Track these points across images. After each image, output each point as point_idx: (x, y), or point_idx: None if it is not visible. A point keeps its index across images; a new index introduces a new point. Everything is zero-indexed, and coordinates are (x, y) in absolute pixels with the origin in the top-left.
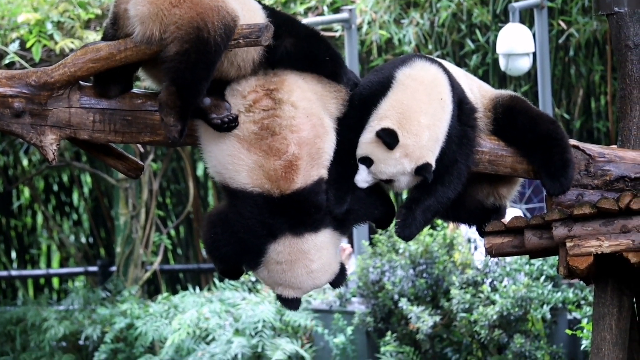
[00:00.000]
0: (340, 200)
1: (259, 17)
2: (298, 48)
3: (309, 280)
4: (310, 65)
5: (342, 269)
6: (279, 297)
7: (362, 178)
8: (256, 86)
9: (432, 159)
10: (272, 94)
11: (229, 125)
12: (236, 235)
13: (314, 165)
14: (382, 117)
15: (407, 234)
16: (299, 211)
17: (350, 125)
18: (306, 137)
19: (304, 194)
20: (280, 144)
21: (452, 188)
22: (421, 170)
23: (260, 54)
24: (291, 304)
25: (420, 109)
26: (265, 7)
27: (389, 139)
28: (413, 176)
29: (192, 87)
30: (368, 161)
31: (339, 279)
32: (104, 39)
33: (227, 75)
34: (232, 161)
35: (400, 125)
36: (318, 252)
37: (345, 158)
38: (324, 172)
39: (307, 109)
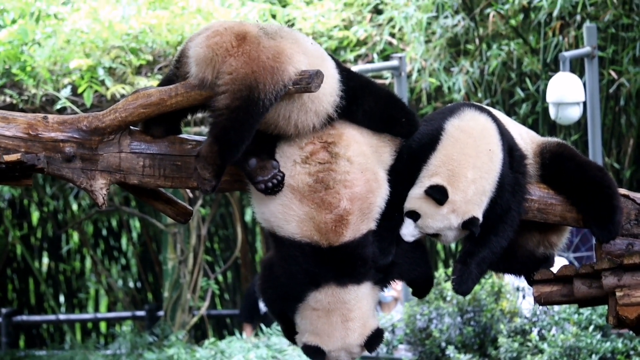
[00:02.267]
0: (385, 252)
1: (328, 68)
2: (376, 110)
3: (342, 330)
4: (387, 128)
5: (379, 332)
6: (304, 346)
7: (409, 232)
8: (314, 138)
9: (478, 212)
10: (330, 147)
11: (274, 188)
12: (279, 280)
13: (364, 219)
14: (433, 173)
15: (464, 290)
16: (345, 263)
17: (398, 179)
18: (359, 193)
19: (351, 247)
20: (333, 198)
21: (505, 237)
22: (468, 224)
23: (321, 120)
24: (314, 353)
25: (468, 164)
26: (341, 67)
27: (439, 195)
28: (460, 230)
29: (234, 148)
30: (415, 215)
31: (373, 341)
32: (166, 75)
33: (285, 133)
34: (282, 210)
35: (449, 181)
36: (358, 303)
37: (392, 210)
38: (373, 225)
39: (362, 165)
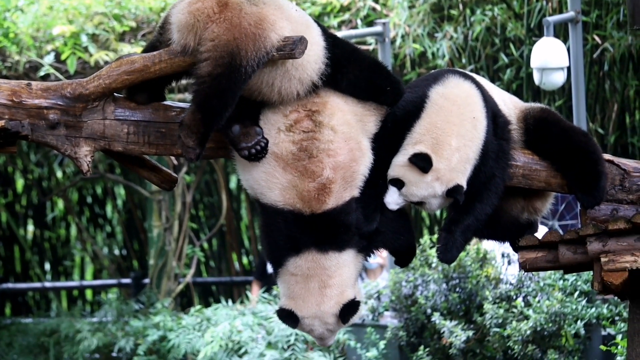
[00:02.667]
0: (370, 218)
1: (313, 36)
2: (361, 79)
3: (318, 296)
4: (372, 96)
5: (354, 304)
6: (278, 310)
7: (393, 200)
8: (298, 106)
9: (462, 180)
10: (314, 115)
11: (257, 154)
12: (265, 243)
13: (347, 187)
14: (417, 141)
15: (449, 258)
16: (327, 230)
17: (383, 147)
18: (342, 162)
19: (334, 214)
20: (316, 166)
21: (490, 204)
22: (452, 192)
23: (306, 87)
24: (288, 317)
25: (452, 131)
26: (327, 34)
27: (423, 163)
28: (444, 198)
29: (217, 115)
30: (399, 183)
31: (348, 311)
32: (150, 41)
33: (269, 100)
34: (266, 178)
35: (433, 149)
36: (338, 270)
37: (376, 178)
38: (356, 193)
39: (346, 133)
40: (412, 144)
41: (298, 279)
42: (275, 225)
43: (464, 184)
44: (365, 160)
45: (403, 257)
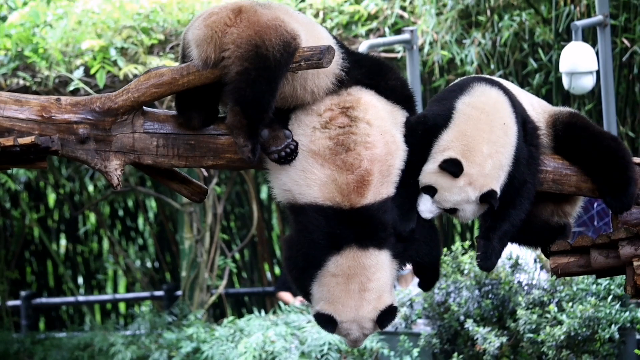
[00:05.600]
0: (406, 218)
1: (326, 42)
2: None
3: (357, 300)
4: (396, 99)
5: (392, 309)
6: (316, 314)
7: (427, 208)
8: (331, 105)
9: (496, 186)
10: (348, 111)
11: (287, 157)
12: (300, 252)
13: (384, 182)
14: (446, 148)
15: (489, 265)
16: (367, 225)
17: (413, 155)
18: (379, 154)
19: (372, 210)
20: (354, 159)
21: (524, 210)
22: (486, 197)
23: (334, 81)
24: (327, 322)
25: (482, 138)
26: (338, 43)
27: (453, 167)
28: (478, 204)
29: (255, 103)
30: (432, 190)
31: (386, 317)
32: None
33: (303, 101)
34: (304, 176)
35: (464, 155)
36: (377, 271)
37: (409, 178)
38: (392, 190)
39: (382, 127)
40: (441, 151)
41: (339, 280)
42: (315, 224)
43: (498, 190)
44: (400, 154)
45: (428, 278)
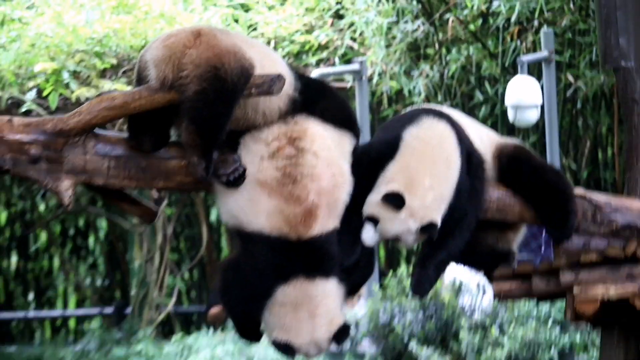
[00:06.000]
0: (350, 252)
1: (280, 68)
2: (333, 109)
3: (309, 326)
4: (341, 124)
5: (346, 327)
6: (274, 342)
7: (369, 236)
8: (279, 135)
9: (437, 217)
10: (295, 142)
11: (235, 182)
12: (245, 279)
13: (330, 215)
14: (390, 180)
15: (422, 292)
16: (314, 256)
17: (358, 185)
18: (326, 187)
19: (320, 242)
20: (301, 191)
21: (462, 239)
22: (426, 228)
23: (287, 103)
24: (283, 349)
25: (425, 171)
26: (291, 66)
27: (395, 201)
28: (419, 234)
29: (211, 123)
30: (375, 220)
31: (341, 336)
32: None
33: (254, 123)
34: (251, 205)
35: (406, 188)
36: (324, 299)
37: (353, 214)
38: (337, 223)
39: (328, 158)
40: (385, 183)
41: (288, 309)
42: (262, 254)
43: (438, 221)
44: (346, 186)
45: (356, 289)
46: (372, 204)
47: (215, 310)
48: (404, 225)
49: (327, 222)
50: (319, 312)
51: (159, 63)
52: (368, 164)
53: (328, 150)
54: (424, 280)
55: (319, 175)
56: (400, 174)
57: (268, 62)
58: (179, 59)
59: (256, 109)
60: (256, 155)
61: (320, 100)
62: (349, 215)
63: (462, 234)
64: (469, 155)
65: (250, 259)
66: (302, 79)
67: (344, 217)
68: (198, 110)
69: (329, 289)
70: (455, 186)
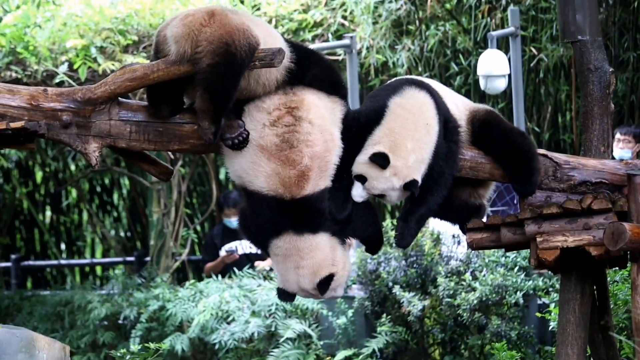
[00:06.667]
0: (342, 207)
1: (279, 43)
2: (324, 75)
3: (294, 276)
4: (331, 89)
5: (329, 277)
6: (277, 288)
7: (358, 193)
8: (279, 104)
9: (418, 176)
10: (293, 112)
11: (239, 144)
12: (249, 229)
13: (322, 176)
14: (376, 142)
15: (405, 244)
16: (304, 213)
17: (349, 147)
18: (318, 151)
19: (311, 200)
20: (296, 155)
21: (440, 196)
22: (409, 186)
23: (283, 74)
24: (282, 295)
25: (407, 135)
26: (287, 40)
27: (381, 160)
28: (402, 191)
29: (222, 93)
30: (363, 179)
31: (323, 285)
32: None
33: (255, 93)
34: (252, 167)
35: (391, 149)
36: (311, 252)
37: (344, 173)
38: (329, 183)
39: (322, 126)
40: (372, 145)
41: (279, 259)
42: (260, 210)
43: (419, 179)
44: (337, 150)
45: (372, 246)
46: (361, 163)
47: (210, 265)
48: (388, 182)
49: (318, 182)
50: (304, 264)
51: (179, 39)
52: (357, 129)
53: (322, 118)
54: (407, 233)
55: (313, 141)
56: (386, 138)
57: (270, 37)
58: (196, 36)
59: (257, 80)
60: (259, 122)
61: (312, 67)
62: (341, 175)
63: (440, 191)
64: (446, 121)
65: (252, 212)
66: (297, 49)
67: (335, 176)
68: (211, 81)
69: (317, 242)
70: (434, 149)
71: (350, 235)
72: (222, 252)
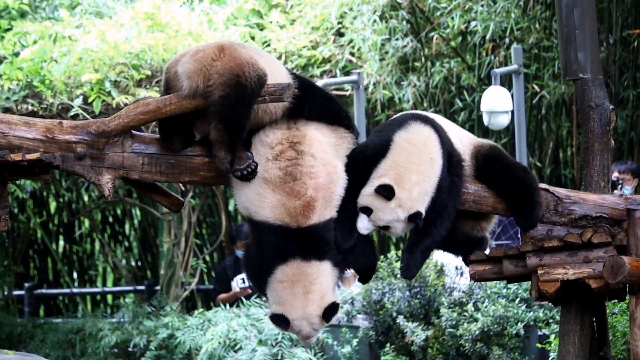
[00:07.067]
0: (347, 237)
1: (282, 75)
2: (324, 107)
3: (303, 300)
4: (333, 120)
5: (335, 305)
6: (271, 315)
7: (364, 225)
8: (282, 139)
9: (422, 208)
10: (296, 146)
11: (248, 176)
12: (255, 259)
13: (327, 207)
14: (381, 175)
15: (410, 275)
16: (311, 241)
17: (354, 180)
18: (322, 183)
19: (317, 229)
20: (300, 187)
21: (444, 228)
22: (413, 217)
23: (287, 105)
24: (280, 321)
25: (412, 169)
26: (290, 72)
27: (386, 192)
28: (406, 223)
29: (235, 123)
30: (368, 211)
31: (330, 312)
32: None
33: (262, 122)
34: (258, 199)
35: (396, 182)
36: (318, 277)
37: (349, 204)
38: (334, 213)
39: (324, 159)
40: (378, 177)
41: (285, 285)
42: (266, 239)
43: (423, 212)
44: (341, 182)
45: (365, 276)
46: (366, 195)
47: (222, 297)
48: (393, 214)
49: (323, 212)
50: (313, 289)
51: (191, 75)
52: (363, 162)
53: (324, 152)
54: (412, 264)
55: (316, 173)
56: (391, 171)
57: (275, 70)
58: (208, 70)
59: (265, 110)
60: (263, 157)
61: (313, 100)
62: (346, 206)
63: (444, 223)
64: (450, 155)
65: (258, 242)
66: (299, 82)
67: (341, 207)
68: (224, 112)
69: (323, 269)
70: (438, 182)
71: (350, 266)
72: (234, 283)
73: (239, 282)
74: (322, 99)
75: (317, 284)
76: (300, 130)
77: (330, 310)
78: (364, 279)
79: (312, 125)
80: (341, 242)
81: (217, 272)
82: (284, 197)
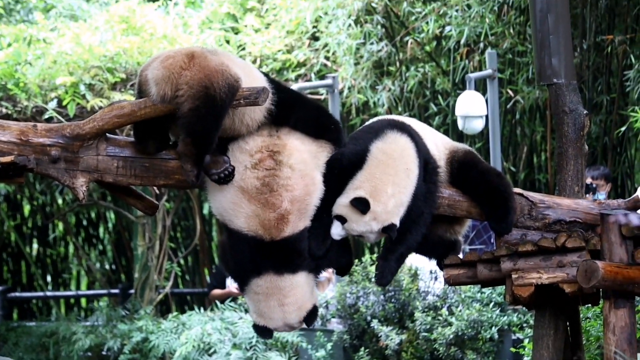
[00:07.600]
0: (320, 246)
1: (260, 83)
2: (310, 118)
3: (280, 313)
4: (318, 133)
5: (314, 310)
6: (254, 326)
7: (337, 232)
8: (262, 147)
9: (396, 220)
10: (275, 155)
11: (225, 179)
12: (230, 264)
13: (301, 218)
14: (357, 187)
15: (384, 282)
16: (283, 255)
17: (330, 188)
18: (298, 196)
19: (290, 241)
20: (276, 199)
21: (419, 234)
22: (387, 229)
23: (266, 115)
24: (261, 331)
25: (388, 181)
26: (271, 80)
27: (361, 206)
28: (380, 233)
29: (203, 136)
30: (342, 219)
31: (310, 318)
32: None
33: (239, 132)
34: (233, 207)
35: (371, 195)
36: (292, 290)
37: (324, 212)
38: (308, 223)
39: (303, 171)
40: (354, 189)
41: (260, 297)
42: (240, 248)
43: (397, 223)
44: (317, 194)
45: (343, 270)
46: (341, 205)
47: (216, 292)
48: (367, 226)
49: (297, 224)
50: (288, 301)
51: (159, 82)
52: (340, 171)
53: (303, 163)
54: (387, 272)
55: (292, 185)
56: (367, 183)
57: (250, 77)
58: (176, 79)
59: (242, 120)
60: (241, 164)
61: (298, 110)
62: (321, 214)
63: (419, 230)
64: (426, 162)
65: (232, 249)
66: (284, 91)
67: (316, 215)
68: (193, 125)
69: (296, 282)
70: (413, 191)
71: (326, 266)
72: (229, 281)
73: None
74: (311, 110)
75: (290, 296)
76: (282, 139)
77: (310, 316)
78: (341, 273)
79: (294, 134)
80: (315, 250)
81: (214, 268)
82: (259, 209)
